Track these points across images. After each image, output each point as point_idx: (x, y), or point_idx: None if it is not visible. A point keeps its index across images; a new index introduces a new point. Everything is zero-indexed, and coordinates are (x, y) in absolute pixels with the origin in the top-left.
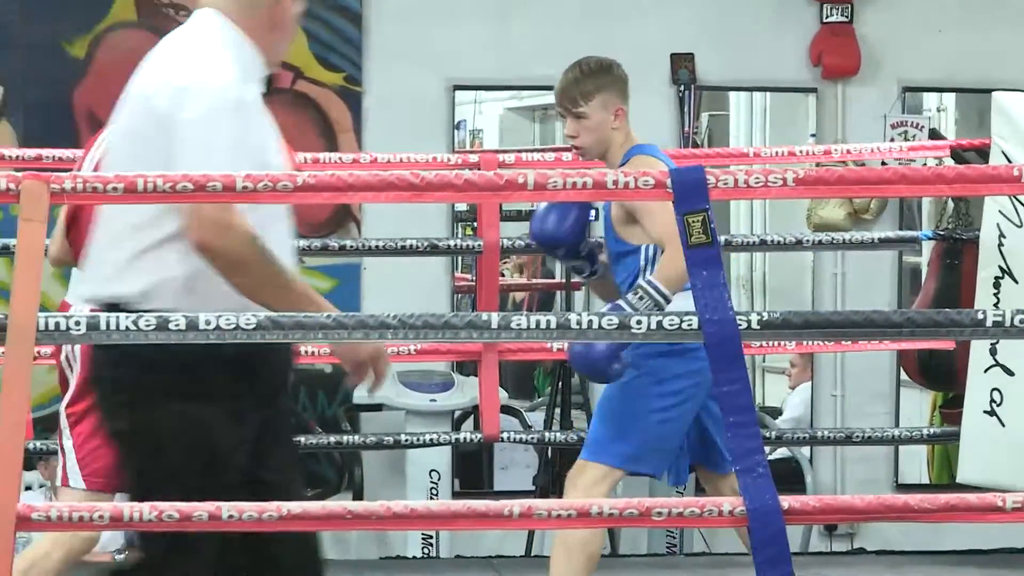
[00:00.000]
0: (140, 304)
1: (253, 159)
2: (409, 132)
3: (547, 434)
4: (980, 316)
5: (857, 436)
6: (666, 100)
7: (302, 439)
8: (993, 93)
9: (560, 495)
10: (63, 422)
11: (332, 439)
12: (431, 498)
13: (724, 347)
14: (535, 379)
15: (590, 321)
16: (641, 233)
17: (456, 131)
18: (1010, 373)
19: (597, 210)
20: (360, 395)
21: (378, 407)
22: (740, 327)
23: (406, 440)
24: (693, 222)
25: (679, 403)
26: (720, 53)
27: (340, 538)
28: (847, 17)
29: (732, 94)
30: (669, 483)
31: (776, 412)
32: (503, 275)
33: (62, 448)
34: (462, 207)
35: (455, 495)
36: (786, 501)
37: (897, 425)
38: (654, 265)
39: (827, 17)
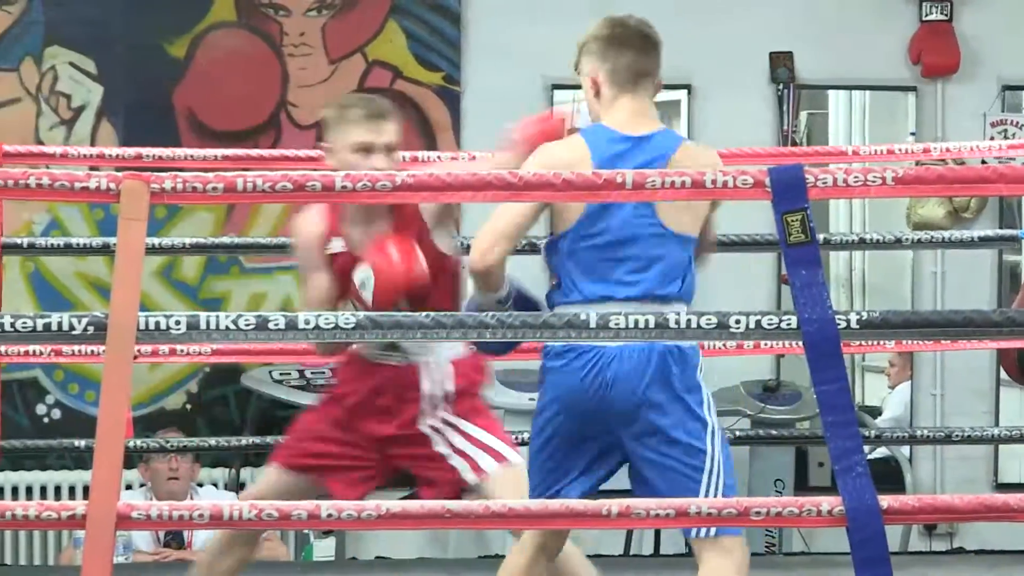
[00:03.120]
0: None
1: None
2: None
3: None
4: None
5: (957, 435)
6: (765, 99)
7: None
8: None
9: None
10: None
11: None
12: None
13: (823, 346)
14: None
15: (688, 320)
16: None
17: None
18: None
19: None
20: None
21: None
22: (839, 327)
23: None
24: (792, 221)
25: (539, 433)
26: (819, 52)
27: (438, 537)
28: (946, 15)
29: (831, 92)
30: None
31: (876, 411)
32: None
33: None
34: None
35: None
36: (885, 501)
37: (997, 424)
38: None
39: (926, 15)
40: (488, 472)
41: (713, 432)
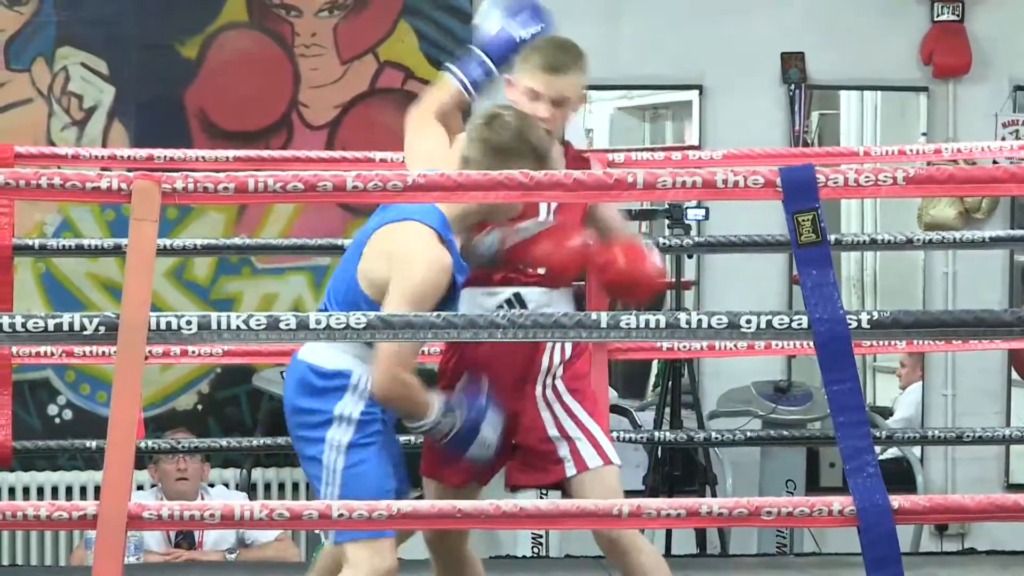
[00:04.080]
0: None
1: None
2: None
3: (657, 433)
4: None
5: (968, 436)
6: (776, 99)
7: (412, 439)
8: None
9: (671, 495)
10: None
11: None
12: (541, 497)
13: (834, 347)
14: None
15: (699, 320)
16: None
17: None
18: None
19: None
20: None
21: None
22: (850, 326)
23: None
24: (803, 221)
25: None
26: (831, 52)
27: None
28: (958, 16)
29: (843, 93)
30: None
31: (887, 412)
32: None
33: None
34: None
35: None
36: (896, 501)
37: (1008, 424)
38: None
39: (938, 16)
40: (590, 469)
41: (333, 446)
